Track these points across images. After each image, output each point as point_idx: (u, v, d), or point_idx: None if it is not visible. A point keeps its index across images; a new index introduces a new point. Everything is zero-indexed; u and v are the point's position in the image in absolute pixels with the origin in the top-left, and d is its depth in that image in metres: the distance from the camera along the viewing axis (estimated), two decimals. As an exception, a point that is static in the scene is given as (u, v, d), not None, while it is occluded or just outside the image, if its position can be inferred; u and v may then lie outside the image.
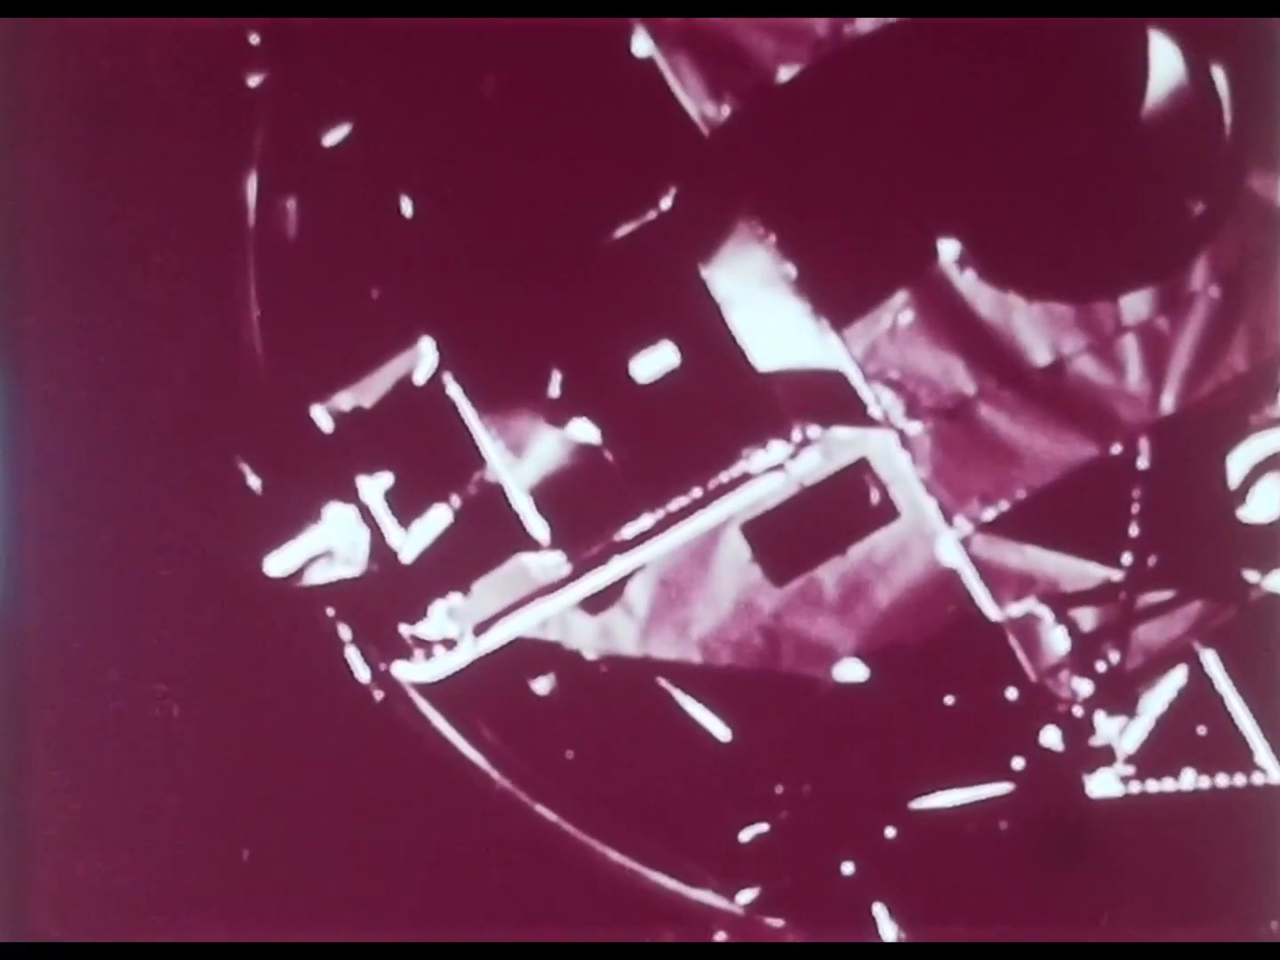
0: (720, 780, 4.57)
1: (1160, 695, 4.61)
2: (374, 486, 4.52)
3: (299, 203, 4.45)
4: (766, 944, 4.40)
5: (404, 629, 4.50)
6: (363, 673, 4.53)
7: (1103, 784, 4.59)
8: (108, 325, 4.34)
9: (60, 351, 4.29)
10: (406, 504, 4.52)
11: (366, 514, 4.50)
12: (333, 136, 4.42)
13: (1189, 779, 4.58)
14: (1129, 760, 4.55)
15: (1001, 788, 4.55)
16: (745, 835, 4.55)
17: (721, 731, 4.58)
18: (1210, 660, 4.59)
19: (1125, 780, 4.57)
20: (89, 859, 4.24)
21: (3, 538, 4.18)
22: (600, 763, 4.53)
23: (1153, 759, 4.58)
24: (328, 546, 4.44)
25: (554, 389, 4.47)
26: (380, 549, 4.50)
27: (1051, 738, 4.55)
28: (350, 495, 4.49)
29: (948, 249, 4.54)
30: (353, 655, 4.53)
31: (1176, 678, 4.61)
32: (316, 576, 4.44)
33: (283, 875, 4.31)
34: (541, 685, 4.58)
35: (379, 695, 4.49)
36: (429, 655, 4.52)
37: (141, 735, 4.31)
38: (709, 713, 4.58)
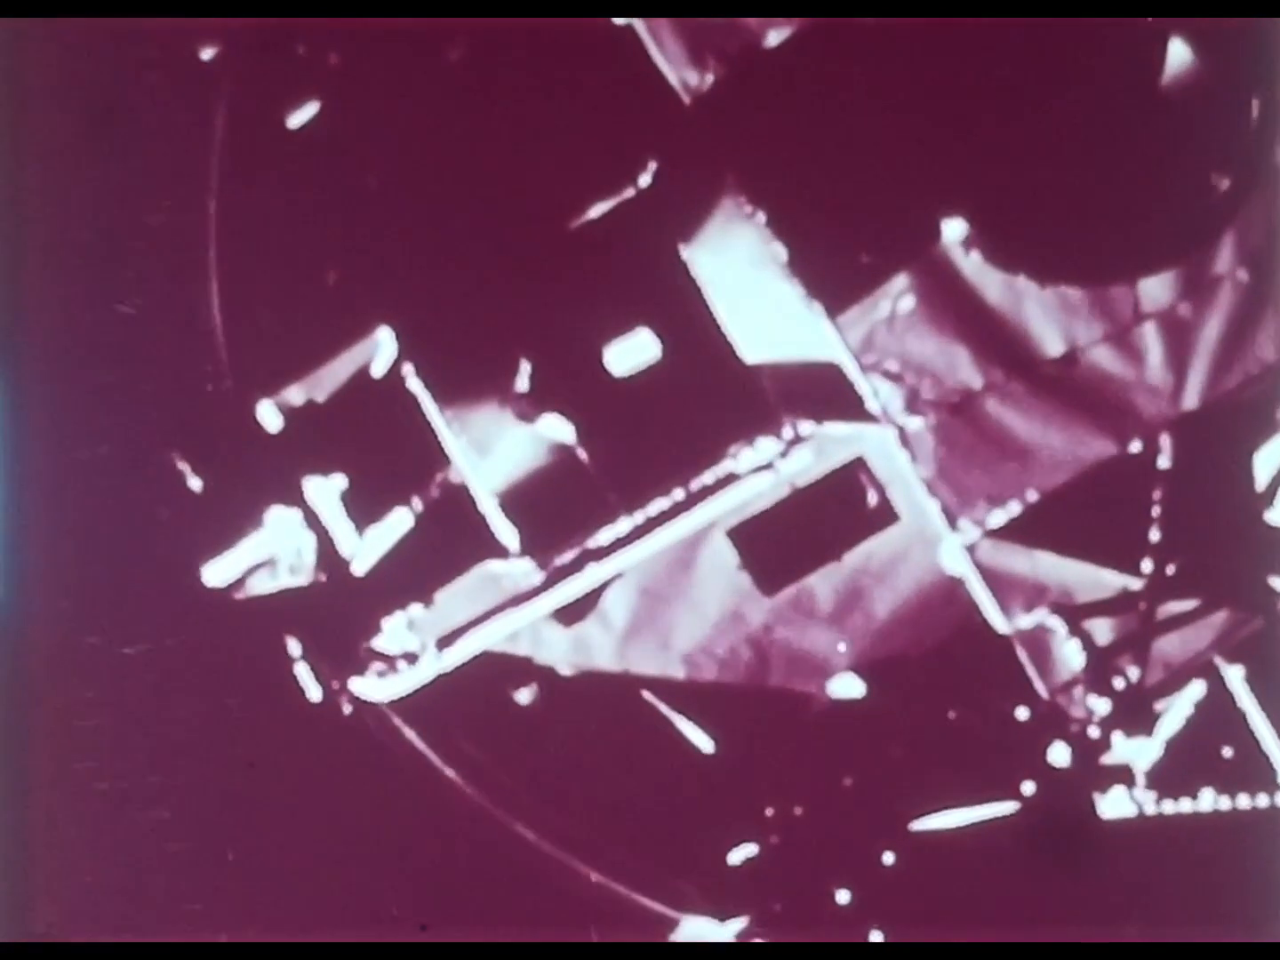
0: (706, 802, 4.45)
1: (1177, 710, 4.47)
2: (327, 488, 4.37)
3: (261, 184, 4.36)
4: (766, 944, 4.30)
5: (360, 643, 4.35)
6: (314, 691, 4.38)
7: (1115, 804, 4.43)
8: (90, 322, 4.31)
9: (52, 351, 4.27)
10: (363, 507, 4.37)
11: (314, 518, 4.35)
12: (297, 118, 4.33)
13: (1208, 799, 4.42)
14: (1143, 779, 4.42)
15: (1006, 807, 4.40)
16: (734, 858, 4.43)
17: (707, 750, 4.47)
18: (1231, 674, 4.44)
19: (1139, 801, 4.42)
20: (89, 859, 4.20)
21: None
22: (579, 781, 4.44)
23: (1169, 778, 4.43)
24: (270, 554, 4.30)
25: (522, 382, 4.33)
26: (331, 556, 4.35)
27: (1060, 755, 4.42)
28: (298, 498, 4.35)
29: (952, 229, 4.39)
30: (303, 672, 4.38)
31: (1193, 692, 4.46)
32: (259, 587, 4.28)
33: (277, 878, 4.26)
34: (515, 700, 4.46)
35: (347, 710, 4.37)
36: (388, 671, 4.36)
37: (141, 735, 4.27)
38: (694, 730, 4.48)
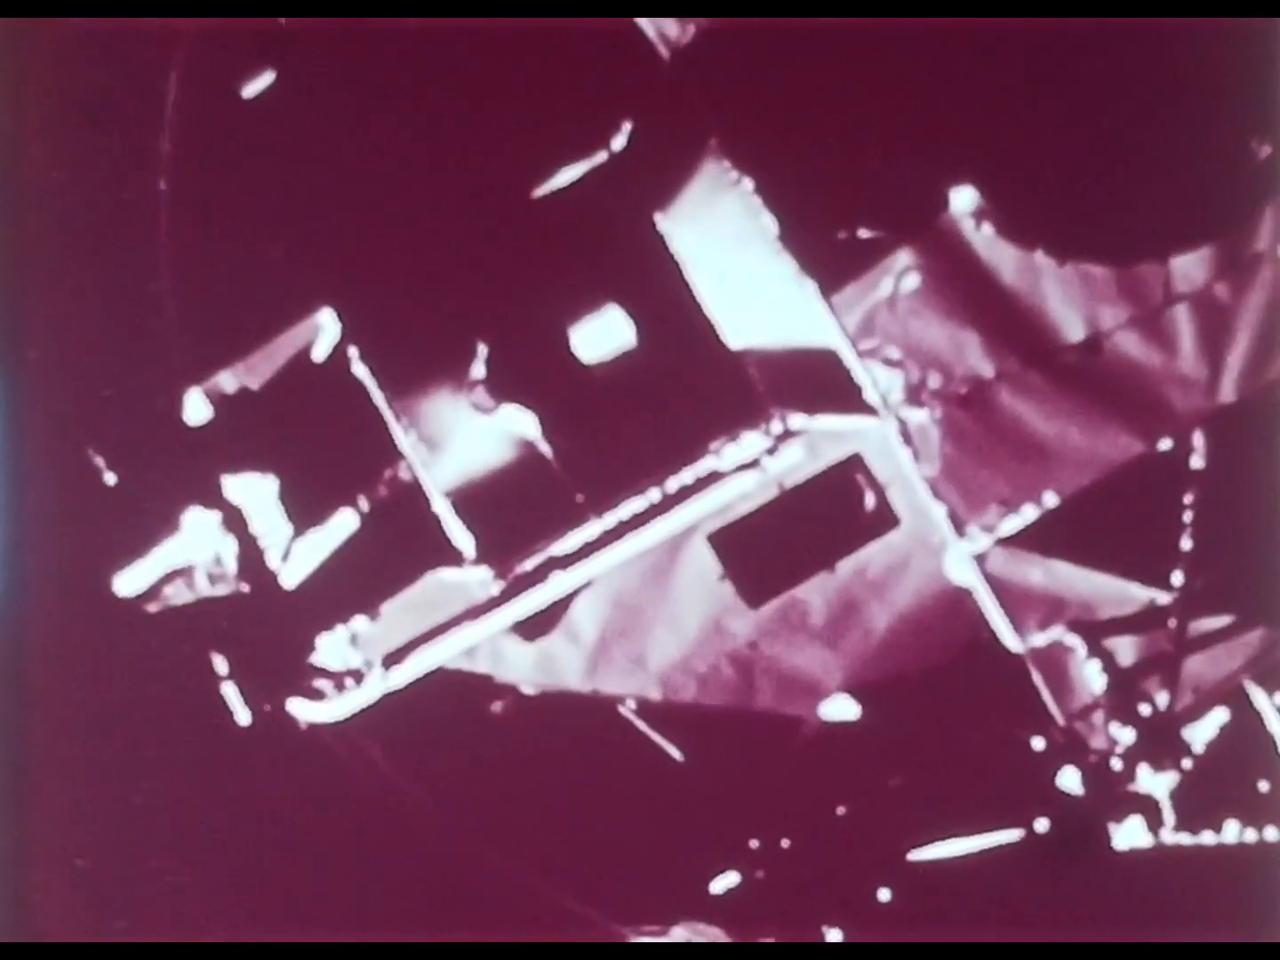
0: (685, 835, 4.43)
1: (1199, 734, 4.44)
2: (260, 487, 4.32)
3: (209, 155, 4.35)
4: (765, 944, 4.28)
5: (297, 660, 4.29)
6: (243, 714, 4.30)
7: (1130, 835, 4.39)
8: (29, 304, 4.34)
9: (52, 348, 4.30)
10: (302, 508, 4.31)
11: (241, 521, 4.29)
12: (252, 88, 4.32)
13: (1232, 831, 4.39)
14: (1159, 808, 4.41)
15: (1011, 835, 4.38)
16: (716, 889, 4.42)
17: (686, 779, 4.46)
18: (1260, 698, 4.41)
19: (1157, 831, 4.38)
20: (90, 859, 4.23)
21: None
22: (544, 806, 4.42)
23: (1190, 807, 4.40)
24: (188, 560, 4.23)
25: (478, 368, 4.24)
26: (262, 564, 4.29)
27: (1070, 780, 4.39)
28: (223, 497, 4.30)
29: (962, 198, 4.32)
30: (230, 692, 4.29)
31: (1218, 715, 4.43)
32: (176, 597, 4.20)
33: (276, 879, 4.30)
34: (475, 720, 4.43)
35: (280, 734, 4.33)
36: (328, 691, 4.29)
37: (140, 736, 4.30)
38: (670, 757, 4.48)
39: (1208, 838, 4.43)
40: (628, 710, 4.49)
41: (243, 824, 4.33)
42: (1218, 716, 4.42)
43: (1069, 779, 4.42)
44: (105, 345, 4.35)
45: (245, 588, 4.26)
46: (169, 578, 4.20)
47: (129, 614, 4.27)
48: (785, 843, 4.44)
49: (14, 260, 4.27)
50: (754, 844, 4.45)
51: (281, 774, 4.33)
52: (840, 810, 4.49)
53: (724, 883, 4.48)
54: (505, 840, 4.45)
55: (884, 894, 4.44)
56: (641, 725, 4.49)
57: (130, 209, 4.32)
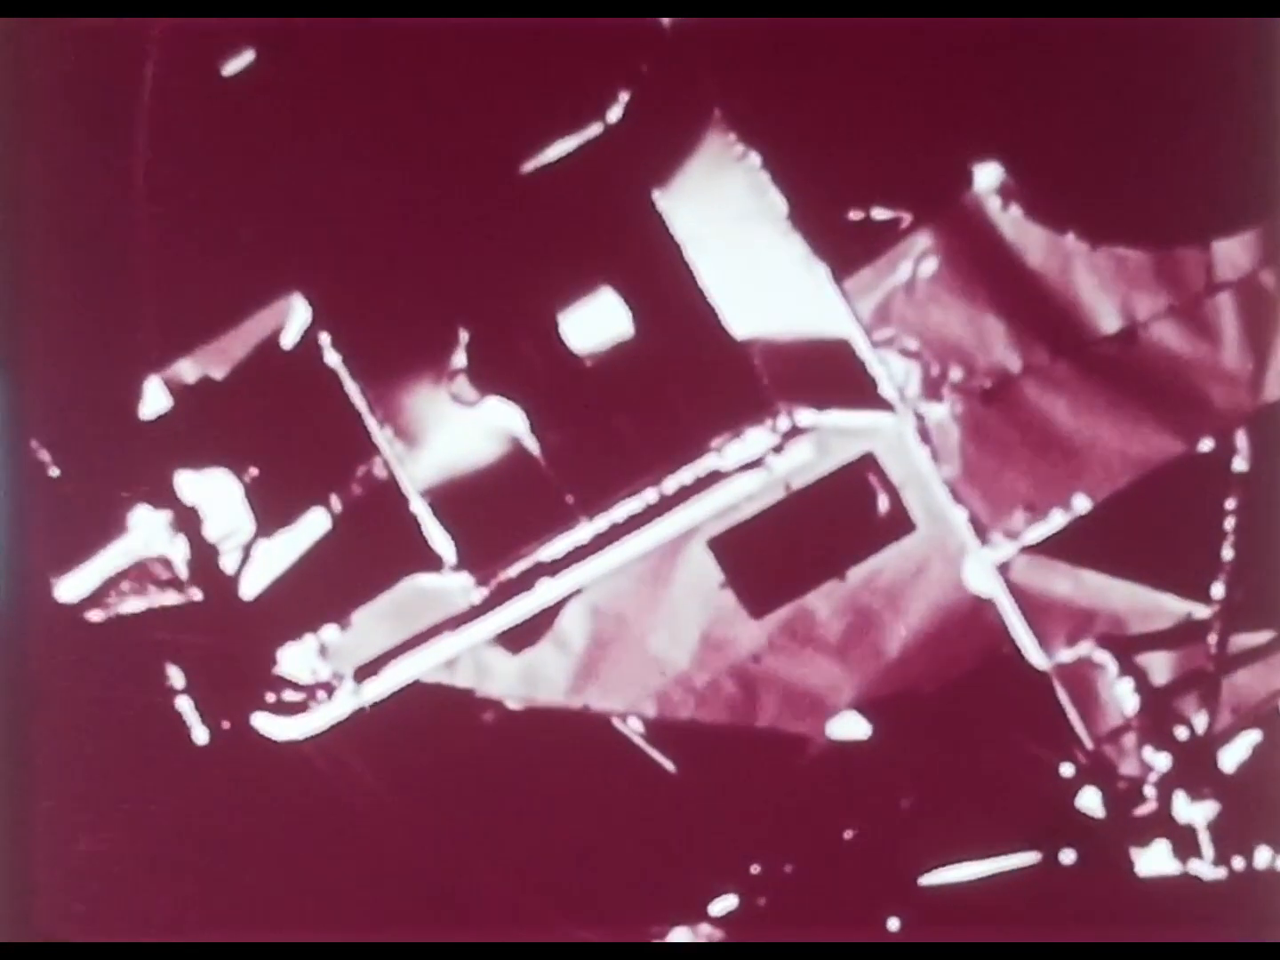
0: (681, 861, 4.45)
1: (1231, 756, 4.41)
2: (224, 484, 4.30)
3: (182, 133, 4.36)
4: (765, 944, 4.26)
5: (262, 672, 4.28)
6: (200, 731, 4.25)
7: (1155, 861, 4.38)
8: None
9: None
10: (269, 506, 4.32)
11: (194, 520, 4.26)
12: (231, 66, 4.32)
13: (1264, 858, 4.36)
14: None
15: (1027, 858, 4.39)
16: (714, 912, 4.45)
17: (683, 802, 4.49)
18: None
19: (1184, 858, 4.38)
20: (90, 859, 4.25)
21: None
22: (534, 823, 4.43)
23: (1228, 837, 4.37)
24: (135, 563, 4.20)
25: (460, 357, 4.19)
26: (220, 567, 4.27)
27: (1094, 804, 4.38)
28: (176, 496, 4.26)
29: (986, 175, 4.26)
30: (185, 707, 4.24)
31: (1251, 736, 4.43)
32: (125, 605, 4.17)
33: (274, 879, 4.35)
34: (460, 735, 4.44)
35: (241, 750, 4.33)
36: (295, 706, 4.27)
37: (140, 737, 4.30)
38: (666, 777, 4.51)
39: (1239, 864, 4.38)
40: (621, 724, 4.48)
41: (220, 834, 4.35)
42: (1250, 737, 4.41)
43: (1092, 803, 4.39)
44: (57, 331, 4.32)
45: (198, 594, 4.23)
46: (114, 582, 4.16)
47: (76, 622, 4.23)
48: (788, 868, 4.45)
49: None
50: (755, 869, 4.46)
51: (248, 788, 4.32)
52: (848, 834, 4.45)
53: (723, 905, 4.48)
54: (494, 861, 4.47)
55: (893, 923, 4.45)
56: (637, 739, 4.48)
57: (88, 188, 4.33)
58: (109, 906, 4.27)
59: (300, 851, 4.38)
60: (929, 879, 4.40)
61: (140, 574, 4.18)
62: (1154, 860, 4.41)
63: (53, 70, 4.32)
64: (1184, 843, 4.36)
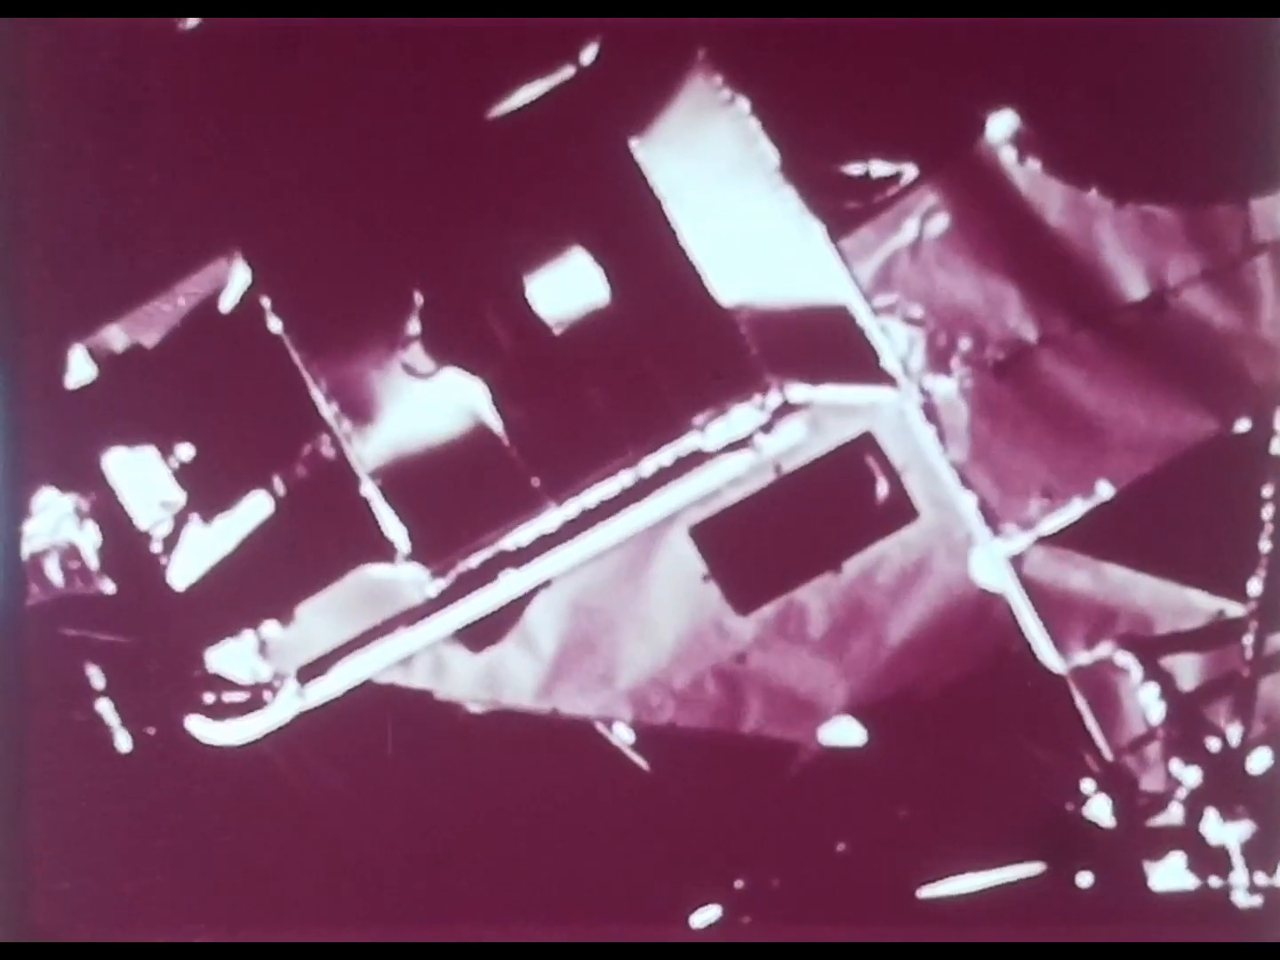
0: (657, 877, 4.33)
1: (1257, 764, 4.32)
2: (153, 463, 4.20)
3: (117, 84, 4.27)
4: (765, 944, 4.22)
5: (193, 672, 4.21)
6: (122, 739, 4.16)
7: (1170, 876, 4.27)
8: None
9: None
10: (203, 488, 4.21)
11: (113, 503, 4.17)
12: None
13: None
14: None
15: (1032, 869, 4.26)
16: (695, 923, 4.32)
17: (661, 812, 4.35)
18: None
19: (1204, 874, 4.28)
20: (89, 859, 4.20)
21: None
22: (503, 828, 4.30)
23: (1264, 857, 4.25)
24: (44, 550, 4.13)
25: (413, 323, 4.10)
26: (145, 556, 4.18)
27: (1100, 810, 4.29)
28: (98, 476, 4.18)
29: (1000, 124, 4.14)
30: (106, 710, 4.16)
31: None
32: (30, 598, 4.12)
33: (273, 878, 4.28)
34: (417, 740, 4.30)
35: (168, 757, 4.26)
36: (232, 709, 4.21)
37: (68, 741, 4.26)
38: (642, 787, 4.38)
39: (1261, 879, 4.27)
40: (604, 726, 4.41)
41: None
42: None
43: (1106, 815, 4.31)
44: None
45: (109, 586, 4.13)
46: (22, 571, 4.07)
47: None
48: (775, 882, 4.34)
49: None
50: (739, 884, 4.35)
51: (180, 790, 4.27)
52: (840, 847, 4.33)
53: (704, 919, 4.36)
54: (463, 875, 4.38)
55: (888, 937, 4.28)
56: (615, 741, 4.38)
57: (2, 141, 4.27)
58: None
59: (252, 851, 4.31)
60: (927, 891, 4.29)
61: (43, 563, 4.08)
62: (1169, 876, 4.30)
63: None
64: (1219, 867, 4.26)
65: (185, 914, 4.29)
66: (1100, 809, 4.27)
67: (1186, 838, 4.29)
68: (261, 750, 4.28)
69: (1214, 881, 4.26)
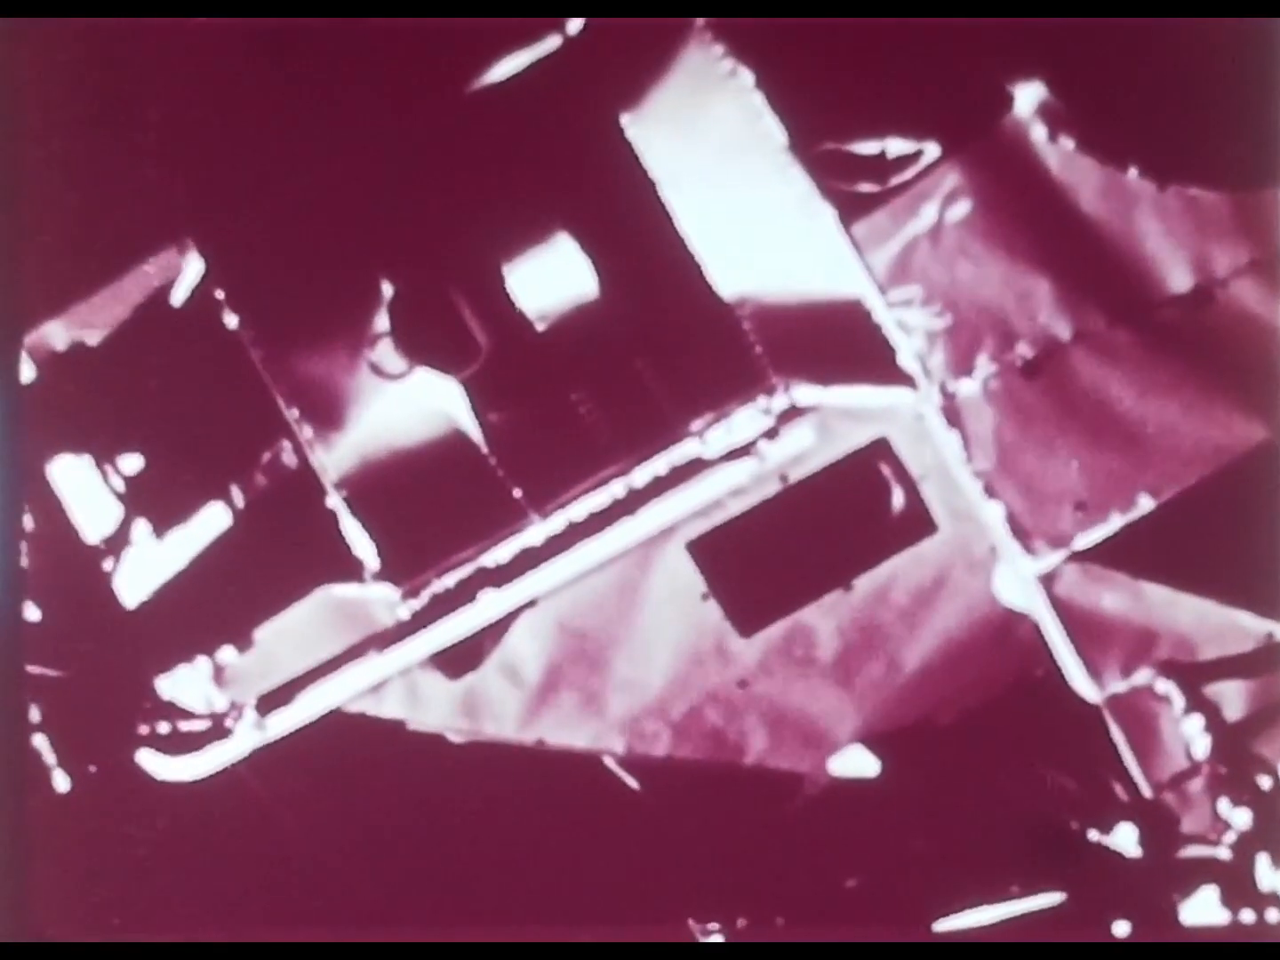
0: (652, 913, 4.25)
1: None
2: (96, 473, 4.09)
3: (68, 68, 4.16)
4: (765, 944, 4.22)
5: (141, 702, 4.09)
6: (61, 780, 4.03)
7: (1203, 910, 4.16)
8: None
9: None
10: (153, 500, 4.11)
11: (50, 516, 4.07)
12: None
13: None
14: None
15: (1053, 899, 4.17)
16: None
17: (656, 846, 4.26)
18: None
19: (1236, 907, 4.16)
20: (89, 859, 4.17)
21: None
22: (487, 860, 4.21)
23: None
24: None
25: (382, 319, 4.00)
26: (89, 573, 4.07)
27: (1125, 839, 4.17)
28: (41, 485, 4.09)
29: (1028, 97, 4.03)
30: (42, 745, 4.06)
31: None
32: None
33: (272, 879, 4.24)
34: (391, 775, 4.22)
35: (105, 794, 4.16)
36: (184, 744, 4.09)
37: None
38: (636, 819, 4.28)
39: None
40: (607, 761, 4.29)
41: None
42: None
43: (1123, 837, 4.18)
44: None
45: (35, 613, 3.98)
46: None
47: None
48: (780, 920, 4.23)
49: None
50: (741, 923, 4.25)
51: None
52: (850, 882, 4.22)
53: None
54: (454, 908, 4.29)
55: (899, 978, 4.31)
56: (611, 764, 4.26)
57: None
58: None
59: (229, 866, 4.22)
60: (942, 925, 4.17)
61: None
62: (1200, 910, 4.17)
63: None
64: (1240, 894, 4.13)
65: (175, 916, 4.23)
66: (1127, 840, 4.15)
67: (1219, 870, 4.17)
68: (216, 785, 4.17)
69: (1246, 916, 4.16)
